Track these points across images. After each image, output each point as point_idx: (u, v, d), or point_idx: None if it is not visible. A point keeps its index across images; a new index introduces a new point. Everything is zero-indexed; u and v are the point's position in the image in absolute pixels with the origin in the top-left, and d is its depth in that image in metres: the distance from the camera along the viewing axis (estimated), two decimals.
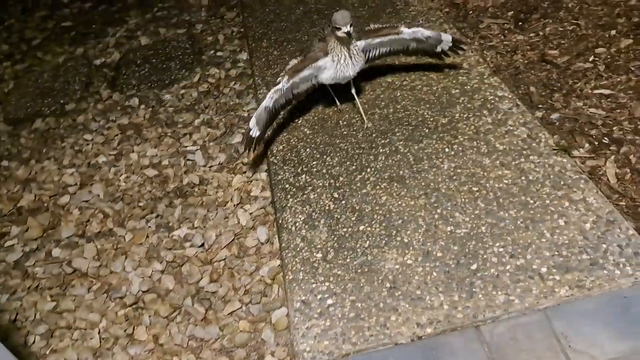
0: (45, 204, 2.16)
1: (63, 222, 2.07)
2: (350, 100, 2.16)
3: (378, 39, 2.02)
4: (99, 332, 1.66)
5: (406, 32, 2.02)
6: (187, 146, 2.29)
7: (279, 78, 1.96)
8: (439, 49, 2.10)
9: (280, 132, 2.14)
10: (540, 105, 2.03)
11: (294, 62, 2.01)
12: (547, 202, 1.63)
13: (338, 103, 2.19)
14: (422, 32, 2.03)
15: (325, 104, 2.21)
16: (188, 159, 2.22)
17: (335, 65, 1.94)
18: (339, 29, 1.80)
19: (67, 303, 1.77)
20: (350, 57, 1.92)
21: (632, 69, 2.05)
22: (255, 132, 1.96)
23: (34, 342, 1.69)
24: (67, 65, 3.04)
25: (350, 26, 1.79)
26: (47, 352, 1.65)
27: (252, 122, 1.94)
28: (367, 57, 2.04)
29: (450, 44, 2.08)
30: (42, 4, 3.84)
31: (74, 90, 2.81)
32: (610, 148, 1.81)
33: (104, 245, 1.94)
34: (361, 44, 1.98)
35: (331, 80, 2.00)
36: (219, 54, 2.87)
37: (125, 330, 1.65)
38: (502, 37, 2.42)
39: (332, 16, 1.82)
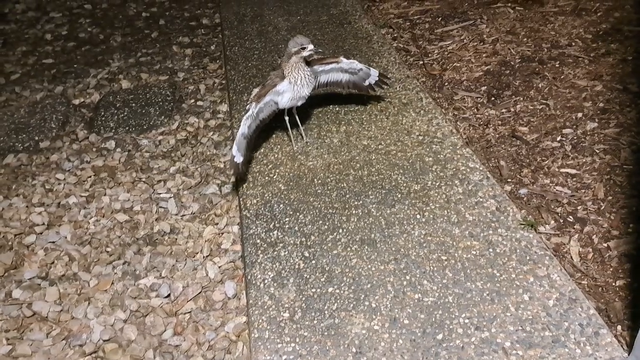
0: (10, 243, 2.10)
1: (27, 262, 2.01)
2: (324, 159, 2.22)
3: (322, 67, 2.30)
4: None
5: (344, 61, 2.31)
6: (160, 193, 2.28)
7: (248, 105, 2.13)
8: (367, 82, 2.41)
9: (255, 186, 2.15)
10: (509, 180, 2.11)
11: (256, 90, 2.25)
12: (513, 276, 1.67)
13: (293, 142, 2.35)
14: (356, 64, 2.33)
15: (302, 161, 2.24)
16: (160, 206, 2.21)
17: (293, 87, 2.16)
18: (304, 48, 2.07)
19: (24, 348, 1.70)
20: (306, 77, 2.16)
21: (597, 151, 2.16)
22: (238, 158, 2.09)
23: None
24: (45, 103, 3.02)
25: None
26: None
27: (235, 149, 2.06)
28: (316, 82, 2.31)
29: (377, 78, 2.40)
30: (24, 39, 3.85)
31: (50, 128, 2.79)
32: (575, 227, 1.88)
33: (67, 289, 1.88)
34: (310, 68, 2.21)
35: (289, 101, 2.21)
36: (199, 103, 2.91)
37: None
38: (475, 110, 2.53)
39: (290, 42, 2.10)
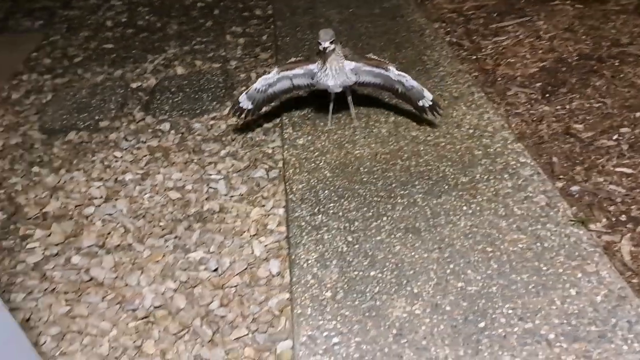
0: (70, 213, 2.22)
1: (85, 231, 2.12)
2: (372, 148, 2.24)
3: (368, 67, 2.27)
4: (108, 341, 1.68)
5: (393, 72, 2.22)
6: (211, 174, 2.35)
7: (271, 69, 2.36)
8: (421, 103, 2.26)
9: (301, 171, 2.19)
10: (561, 176, 2.07)
11: (292, 60, 2.40)
12: (560, 270, 1.65)
13: (330, 118, 2.46)
14: (407, 79, 2.21)
15: (349, 149, 2.27)
16: (211, 187, 2.27)
17: (318, 73, 2.23)
18: (319, 44, 2.10)
19: (81, 309, 1.80)
20: (331, 70, 2.19)
21: None
22: (246, 105, 2.41)
23: (45, 342, 1.71)
24: (105, 85, 3.15)
25: (330, 43, 2.10)
26: (57, 354, 1.67)
27: (242, 97, 2.39)
28: (357, 80, 2.31)
29: (430, 103, 2.24)
30: (86, 24, 4.02)
31: (109, 109, 2.91)
32: (627, 226, 1.83)
33: (122, 258, 1.98)
34: (350, 65, 2.24)
35: (317, 84, 2.30)
36: None
37: (134, 342, 1.67)
38: (529, 106, 2.49)
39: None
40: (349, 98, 2.41)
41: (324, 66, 2.19)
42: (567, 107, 2.43)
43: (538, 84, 2.62)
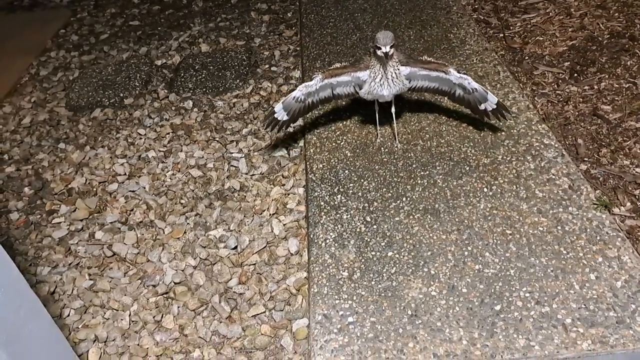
0: (95, 189, 2.28)
1: (109, 207, 2.17)
2: (393, 127, 2.21)
3: (424, 72, 2.00)
4: (129, 315, 1.74)
5: (454, 74, 1.96)
6: (232, 153, 2.37)
7: (314, 75, 2.03)
8: (483, 107, 2.02)
9: (322, 151, 2.19)
10: (586, 158, 2.03)
11: (336, 65, 2.08)
12: (581, 254, 1.63)
13: (379, 128, 2.22)
14: (470, 82, 1.96)
15: (370, 129, 2.25)
16: (232, 165, 2.30)
17: (370, 82, 1.96)
18: (379, 48, 1.81)
19: (104, 283, 1.86)
20: (387, 78, 1.93)
21: None
22: (282, 116, 2.08)
23: (68, 315, 1.78)
24: (130, 62, 3.18)
25: (391, 47, 1.81)
26: (80, 327, 1.74)
27: (278, 107, 2.06)
28: (411, 86, 2.06)
29: (495, 106, 2.00)
30: (113, 1, 4.05)
31: (134, 86, 2.95)
32: None
33: (144, 234, 2.02)
34: (406, 70, 1.97)
35: (367, 94, 2.03)
36: (273, 69, 2.96)
37: (154, 317, 1.72)
38: (556, 86, 2.43)
39: (376, 35, 1.85)
40: (393, 110, 2.14)
41: (383, 74, 1.92)
42: (596, 87, 2.36)
43: (566, 63, 2.55)
